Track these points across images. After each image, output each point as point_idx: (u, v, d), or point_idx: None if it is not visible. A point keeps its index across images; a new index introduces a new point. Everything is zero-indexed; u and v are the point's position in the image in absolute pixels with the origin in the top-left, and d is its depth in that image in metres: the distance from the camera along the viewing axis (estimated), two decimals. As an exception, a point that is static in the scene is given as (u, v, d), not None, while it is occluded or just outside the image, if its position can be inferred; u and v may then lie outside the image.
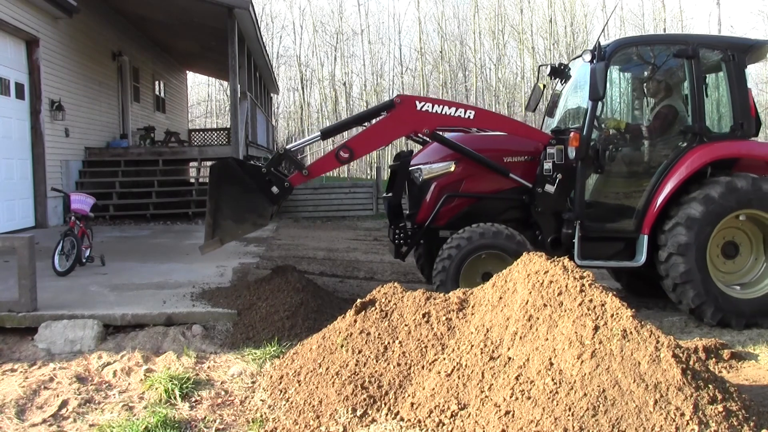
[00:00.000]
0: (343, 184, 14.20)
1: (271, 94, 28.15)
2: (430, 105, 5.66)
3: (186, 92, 25.34)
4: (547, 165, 5.71)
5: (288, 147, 5.68)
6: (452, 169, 5.82)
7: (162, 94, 19.87)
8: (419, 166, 5.94)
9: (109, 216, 12.17)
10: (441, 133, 5.87)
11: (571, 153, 5.62)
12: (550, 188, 5.72)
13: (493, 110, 34.97)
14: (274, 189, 5.47)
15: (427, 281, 6.50)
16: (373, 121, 5.88)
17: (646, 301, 6.60)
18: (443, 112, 5.65)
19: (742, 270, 5.87)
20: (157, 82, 19.18)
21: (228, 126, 19.18)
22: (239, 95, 12.89)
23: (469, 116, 5.72)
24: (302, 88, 38.46)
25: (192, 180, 15.55)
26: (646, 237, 5.70)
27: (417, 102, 5.69)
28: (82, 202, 7.06)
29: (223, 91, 37.56)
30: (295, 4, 53.57)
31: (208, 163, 21.86)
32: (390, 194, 6.15)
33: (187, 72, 24.58)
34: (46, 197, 10.67)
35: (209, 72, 26.72)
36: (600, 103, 5.72)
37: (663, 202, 5.63)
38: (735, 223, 5.75)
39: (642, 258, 5.69)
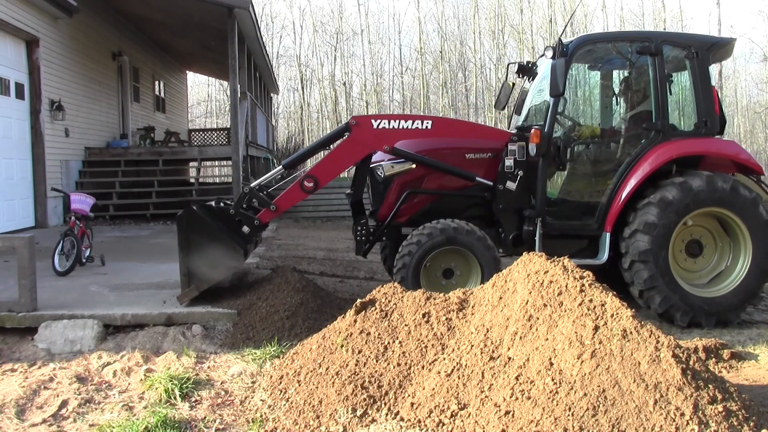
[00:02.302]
0: (343, 184, 14.18)
1: (271, 94, 28.15)
2: (387, 122, 5.68)
3: (186, 92, 25.35)
4: (509, 162, 5.72)
5: (252, 185, 5.66)
6: (413, 166, 5.81)
7: (162, 94, 19.87)
8: (380, 164, 5.92)
9: (109, 216, 12.18)
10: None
11: (532, 150, 5.62)
12: (511, 185, 5.72)
13: (493, 110, 34.97)
14: (245, 228, 5.47)
15: (391, 277, 6.49)
16: (333, 145, 5.87)
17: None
18: (400, 127, 5.68)
19: (709, 266, 5.87)
20: (157, 82, 19.18)
21: (228, 126, 19.17)
22: (239, 95, 12.89)
23: (426, 126, 5.74)
24: (302, 88, 38.44)
25: (192, 180, 15.55)
26: (608, 234, 5.69)
27: (373, 121, 5.70)
28: (82, 202, 7.06)
29: (223, 91, 37.54)
30: (295, 4, 53.61)
31: (208, 163, 21.97)
32: (351, 191, 6.13)
33: (187, 72, 24.58)
34: (46, 197, 10.67)
35: (209, 72, 26.72)
36: (562, 100, 5.73)
37: (625, 199, 5.62)
38: (698, 221, 5.75)
39: (604, 256, 5.69)
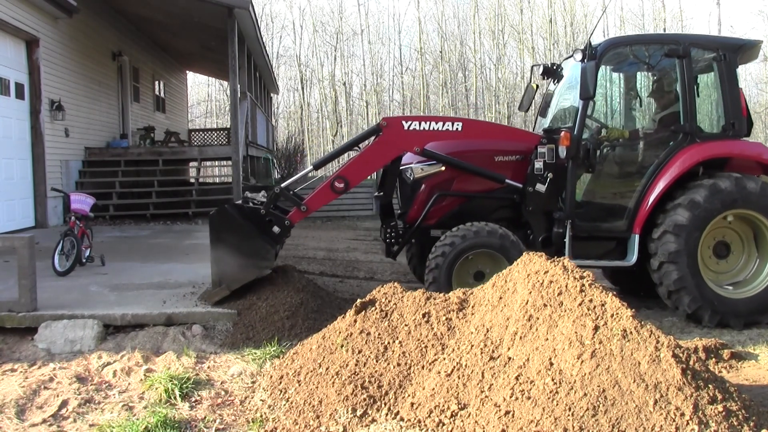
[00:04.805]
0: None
1: (271, 94, 28.13)
2: (417, 123, 5.68)
3: (186, 92, 25.33)
4: (538, 164, 5.72)
5: (283, 185, 5.67)
6: (443, 168, 5.82)
7: (162, 94, 19.86)
8: (410, 166, 5.93)
9: (109, 216, 12.17)
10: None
11: (562, 152, 5.63)
12: (541, 187, 5.73)
13: (493, 110, 34.99)
14: (276, 229, 5.47)
15: (419, 280, 6.49)
16: (362, 146, 5.87)
17: (646, 301, 6.60)
18: (431, 128, 5.69)
19: (735, 269, 5.88)
20: (157, 82, 19.17)
21: (228, 126, 19.17)
22: (239, 95, 12.88)
23: (457, 128, 5.74)
24: (302, 88, 38.45)
25: (192, 180, 15.55)
26: (637, 236, 5.71)
27: (404, 122, 5.70)
28: (82, 202, 7.06)
29: (223, 91, 37.54)
30: (295, 4, 53.58)
31: (208, 163, 21.97)
32: (380, 193, 6.14)
33: (187, 72, 24.56)
34: (46, 197, 10.66)
35: (209, 72, 26.71)
36: (591, 102, 5.73)
37: (654, 201, 5.64)
38: (724, 223, 5.75)
39: (633, 257, 5.70)
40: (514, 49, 37.10)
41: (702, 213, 5.47)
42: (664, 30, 32.88)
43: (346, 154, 6.35)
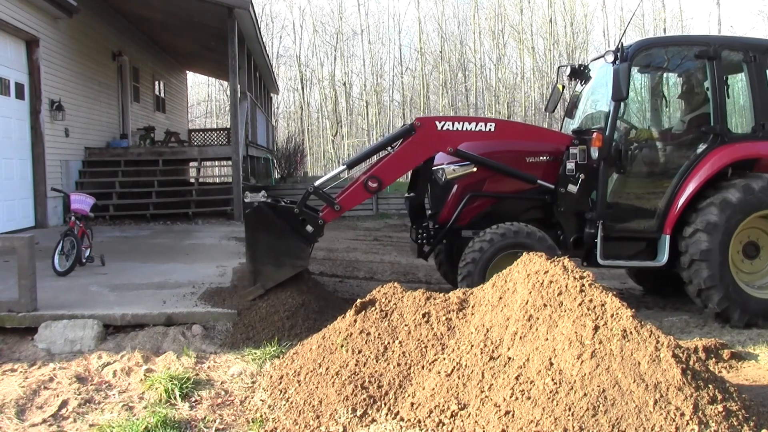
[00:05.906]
0: (344, 185, 14.19)
1: (271, 94, 28.15)
2: (451, 123, 5.69)
3: (186, 92, 25.34)
4: (570, 165, 5.74)
5: (316, 184, 5.68)
6: (475, 169, 5.82)
7: (162, 94, 19.87)
8: (442, 167, 5.94)
9: (109, 216, 12.17)
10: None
11: (594, 153, 5.66)
12: (572, 188, 5.74)
13: (493, 110, 35.00)
14: (309, 228, 5.48)
15: (450, 284, 6.47)
16: (395, 145, 5.85)
17: (647, 301, 6.60)
18: (464, 129, 5.69)
19: (760, 272, 5.87)
20: (157, 82, 19.18)
21: (228, 126, 19.17)
22: (239, 95, 12.89)
23: (489, 129, 5.75)
24: (302, 88, 38.47)
25: (192, 180, 15.55)
26: (667, 237, 5.71)
27: (437, 123, 5.70)
28: (82, 202, 7.06)
29: (223, 91, 37.56)
30: (295, 4, 53.57)
31: (208, 163, 21.99)
32: (412, 194, 6.15)
33: (187, 72, 24.58)
34: (46, 197, 10.66)
35: (209, 72, 26.72)
36: (622, 104, 5.74)
37: (685, 202, 5.64)
38: (756, 223, 5.75)
39: (664, 258, 5.71)
40: (514, 49, 37.14)
41: (752, 199, 5.49)
42: (664, 31, 32.91)
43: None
